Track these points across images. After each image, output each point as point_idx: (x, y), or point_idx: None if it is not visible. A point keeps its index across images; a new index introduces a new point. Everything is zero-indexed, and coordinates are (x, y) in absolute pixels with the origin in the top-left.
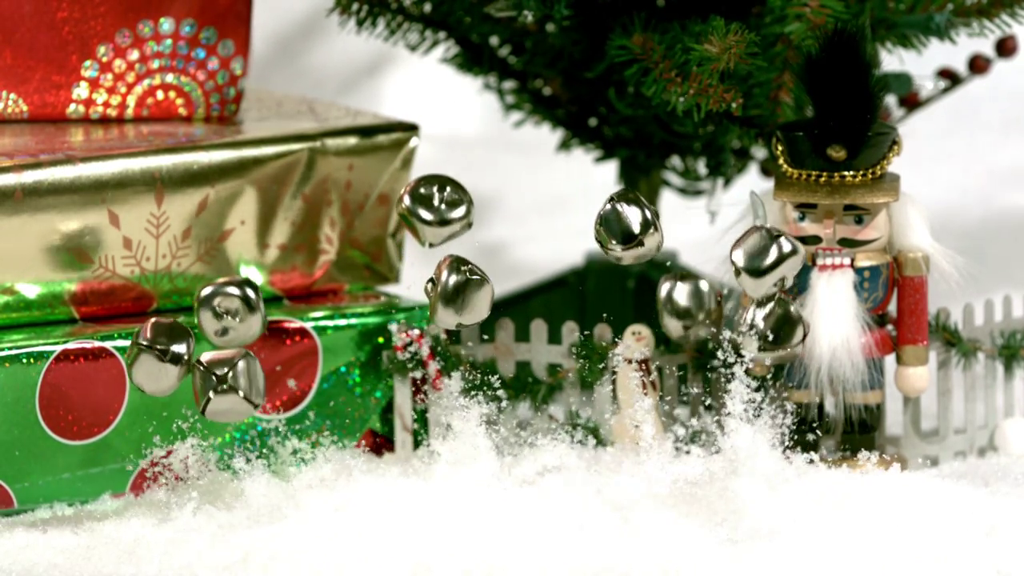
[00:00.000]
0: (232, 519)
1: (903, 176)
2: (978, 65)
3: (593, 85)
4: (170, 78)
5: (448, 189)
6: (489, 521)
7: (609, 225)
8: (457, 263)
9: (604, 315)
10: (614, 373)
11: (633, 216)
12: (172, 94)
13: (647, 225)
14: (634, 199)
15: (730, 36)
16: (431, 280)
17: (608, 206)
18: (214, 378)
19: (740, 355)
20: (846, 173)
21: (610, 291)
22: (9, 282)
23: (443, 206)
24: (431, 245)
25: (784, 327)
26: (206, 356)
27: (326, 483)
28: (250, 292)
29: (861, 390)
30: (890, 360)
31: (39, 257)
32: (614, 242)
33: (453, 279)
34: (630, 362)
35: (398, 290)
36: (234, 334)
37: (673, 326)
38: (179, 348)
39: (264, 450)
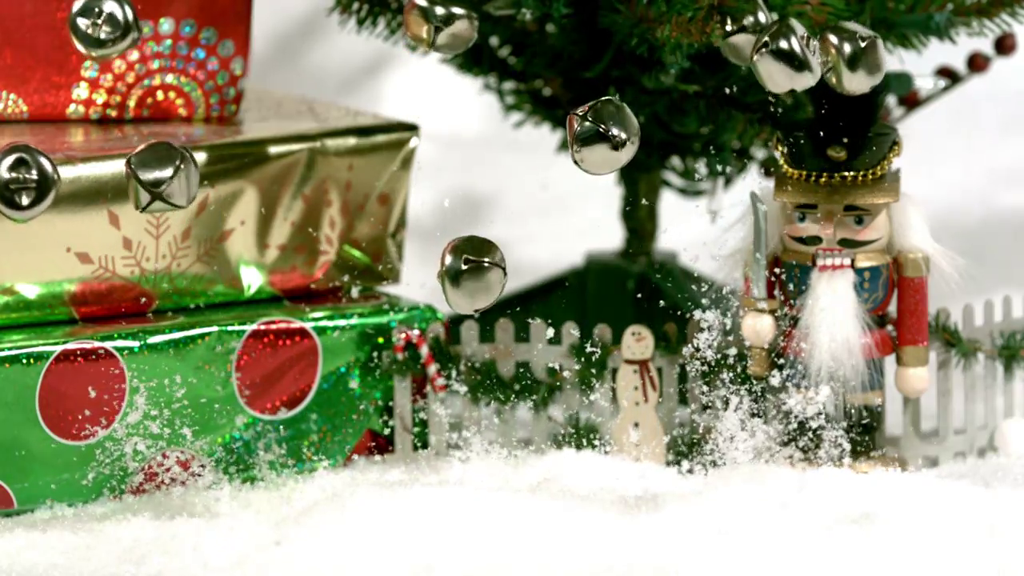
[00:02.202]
0: (232, 520)
1: (903, 176)
2: (977, 63)
3: (593, 85)
4: (170, 78)
5: None
6: (489, 522)
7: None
8: (461, 247)
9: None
10: (614, 373)
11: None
12: (172, 94)
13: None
14: None
15: None
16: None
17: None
18: (150, 180)
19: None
20: (846, 174)
21: (610, 291)
22: (9, 282)
23: None
24: (437, 47)
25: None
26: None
27: (326, 484)
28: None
29: (861, 391)
30: (890, 361)
31: (39, 257)
32: None
33: (459, 262)
34: (630, 363)
35: (398, 290)
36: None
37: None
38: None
39: (263, 450)
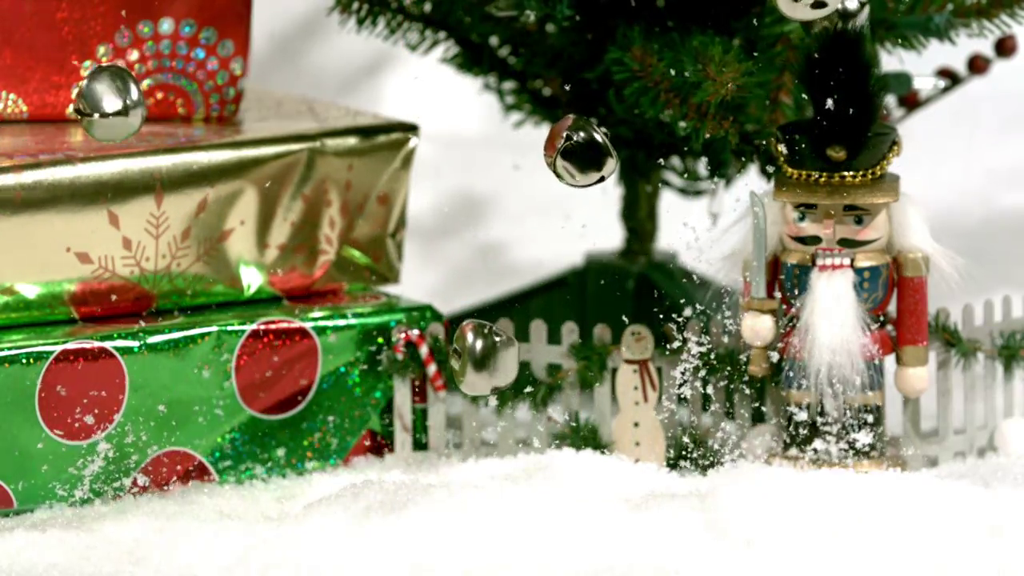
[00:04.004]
0: (232, 520)
1: (903, 176)
2: (977, 65)
3: (593, 86)
4: (169, 78)
5: None
6: (489, 522)
7: None
8: (480, 327)
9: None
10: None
11: None
12: (172, 94)
13: None
14: None
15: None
16: (454, 349)
17: None
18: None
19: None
20: (846, 173)
21: (610, 291)
22: (9, 282)
23: None
24: None
25: None
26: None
27: (325, 484)
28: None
29: (861, 391)
30: (890, 360)
31: (39, 257)
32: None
33: (480, 343)
34: (629, 363)
35: (398, 290)
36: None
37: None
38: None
39: (263, 450)
